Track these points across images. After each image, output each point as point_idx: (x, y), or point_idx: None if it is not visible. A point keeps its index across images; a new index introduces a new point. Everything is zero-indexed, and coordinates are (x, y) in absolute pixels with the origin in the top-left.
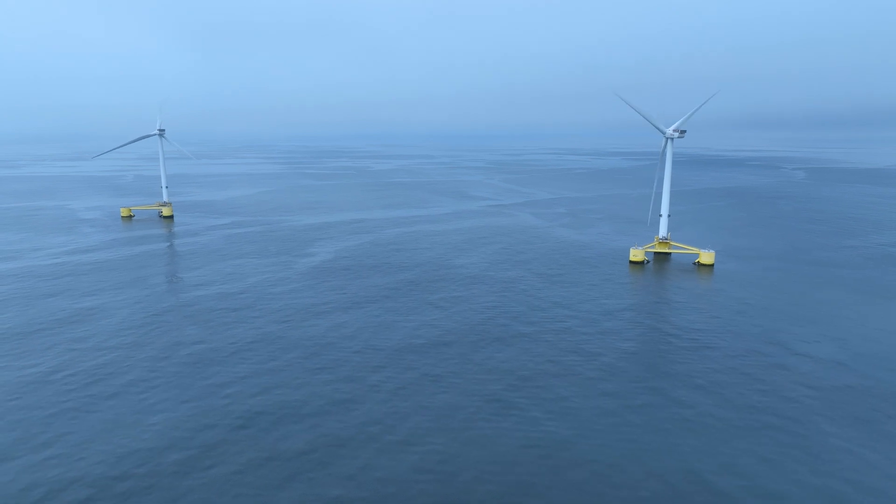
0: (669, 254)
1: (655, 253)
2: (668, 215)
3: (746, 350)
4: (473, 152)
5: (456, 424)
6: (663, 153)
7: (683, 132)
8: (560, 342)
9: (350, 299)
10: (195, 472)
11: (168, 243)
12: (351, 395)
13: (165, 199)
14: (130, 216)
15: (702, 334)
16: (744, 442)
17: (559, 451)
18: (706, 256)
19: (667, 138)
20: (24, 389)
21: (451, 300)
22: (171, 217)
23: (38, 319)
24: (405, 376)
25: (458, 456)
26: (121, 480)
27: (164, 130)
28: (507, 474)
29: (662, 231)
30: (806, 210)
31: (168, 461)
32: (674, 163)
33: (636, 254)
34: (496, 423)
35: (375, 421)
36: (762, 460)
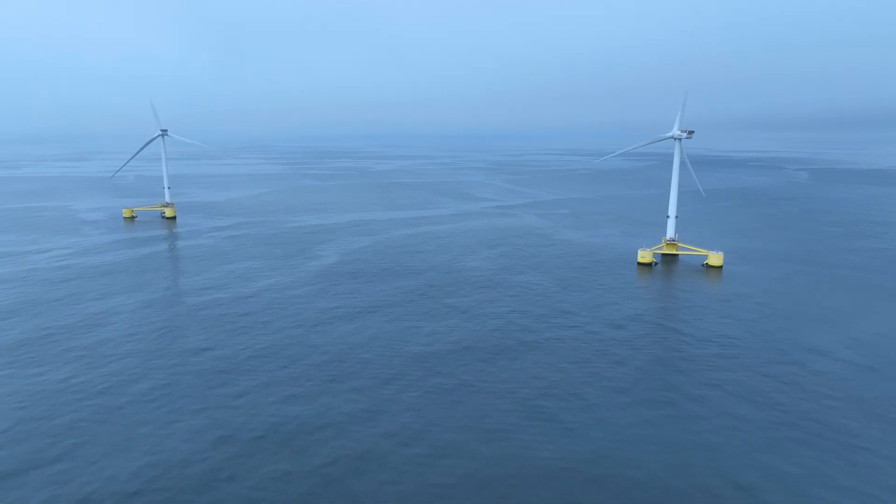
0: (677, 255)
1: (663, 254)
2: (676, 216)
3: (776, 356)
4: (475, 153)
5: (483, 435)
6: (680, 154)
7: (692, 132)
8: (583, 347)
9: (363, 303)
10: (213, 485)
11: (172, 245)
12: (370, 404)
13: (168, 199)
14: (133, 217)
15: (728, 339)
16: (787, 452)
17: (596, 462)
18: (714, 258)
19: (675, 139)
20: (34, 398)
21: (467, 304)
22: (173, 218)
23: (46, 325)
24: (426, 384)
25: (486, 468)
26: (137, 496)
27: (166, 131)
28: (540, 488)
29: (670, 232)
30: (810, 211)
31: (185, 475)
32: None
33: (644, 255)
34: (526, 432)
35: (396, 432)
36: (808, 471)
